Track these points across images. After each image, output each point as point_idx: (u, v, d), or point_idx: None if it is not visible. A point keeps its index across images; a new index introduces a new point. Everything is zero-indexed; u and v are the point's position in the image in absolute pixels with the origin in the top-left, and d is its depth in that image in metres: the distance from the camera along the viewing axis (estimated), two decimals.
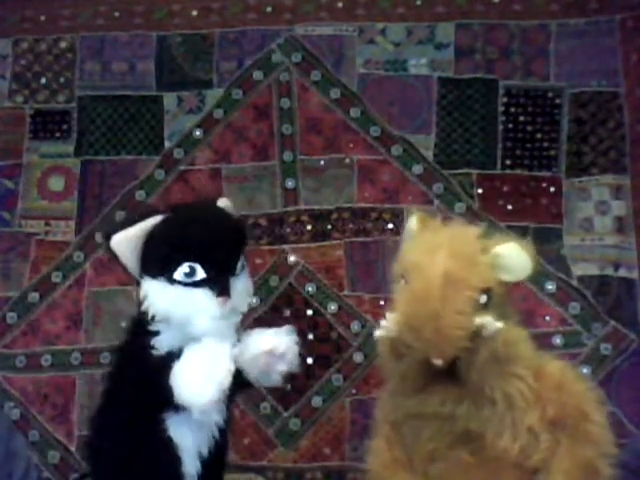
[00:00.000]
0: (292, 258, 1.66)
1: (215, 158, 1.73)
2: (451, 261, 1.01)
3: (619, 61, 1.67)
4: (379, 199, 1.67)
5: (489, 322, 1.01)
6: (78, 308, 1.67)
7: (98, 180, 1.75)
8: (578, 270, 1.59)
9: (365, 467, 1.18)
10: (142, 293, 1.18)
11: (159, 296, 1.16)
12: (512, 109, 1.69)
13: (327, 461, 1.56)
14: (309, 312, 1.63)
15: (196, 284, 1.14)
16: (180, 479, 1.19)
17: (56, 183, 1.75)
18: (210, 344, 1.12)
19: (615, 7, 1.69)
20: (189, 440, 1.19)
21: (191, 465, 1.20)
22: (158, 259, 1.16)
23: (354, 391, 1.59)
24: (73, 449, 1.61)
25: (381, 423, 1.17)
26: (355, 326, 1.61)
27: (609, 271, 1.58)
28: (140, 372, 1.17)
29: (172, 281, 1.14)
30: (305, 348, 1.58)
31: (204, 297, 1.14)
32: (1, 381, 1.65)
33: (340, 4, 1.77)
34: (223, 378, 1.07)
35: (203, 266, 1.14)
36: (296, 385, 1.59)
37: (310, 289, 1.64)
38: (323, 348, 1.61)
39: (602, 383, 1.52)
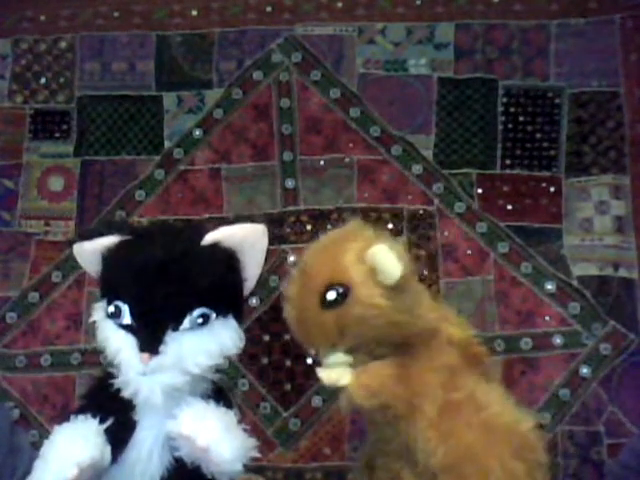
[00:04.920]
0: (292, 258, 1.66)
1: (215, 158, 1.73)
2: (310, 261, 1.07)
3: (619, 61, 1.67)
4: (379, 199, 1.67)
5: (327, 376, 1.02)
6: (78, 308, 1.67)
7: (98, 180, 1.74)
8: (578, 270, 1.59)
9: None
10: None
11: (100, 321, 1.06)
12: (512, 109, 1.69)
13: (327, 461, 1.56)
14: None
15: (123, 327, 1.00)
16: None
17: (56, 183, 1.75)
18: (78, 422, 1.02)
19: (615, 7, 1.69)
20: None
21: None
22: (100, 285, 1.08)
23: None
24: None
25: None
26: None
27: (609, 271, 1.58)
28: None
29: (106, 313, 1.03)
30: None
31: (128, 345, 0.99)
32: (1, 381, 1.64)
33: (340, 4, 1.77)
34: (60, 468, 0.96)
35: (130, 310, 0.99)
36: (296, 385, 1.59)
37: None
38: None
39: (602, 383, 1.52)
